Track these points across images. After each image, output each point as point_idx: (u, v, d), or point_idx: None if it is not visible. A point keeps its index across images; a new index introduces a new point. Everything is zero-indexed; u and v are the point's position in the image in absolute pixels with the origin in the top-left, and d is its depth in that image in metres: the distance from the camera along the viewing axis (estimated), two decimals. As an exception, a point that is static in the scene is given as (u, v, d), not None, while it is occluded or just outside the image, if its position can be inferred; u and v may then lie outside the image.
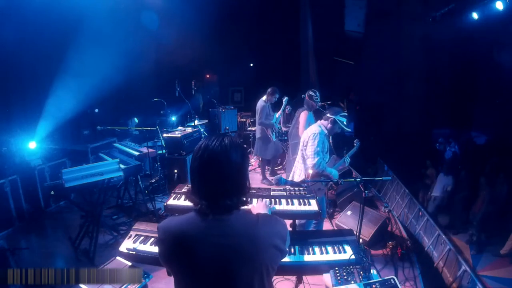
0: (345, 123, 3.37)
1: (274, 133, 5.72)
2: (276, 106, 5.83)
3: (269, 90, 5.55)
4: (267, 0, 9.15)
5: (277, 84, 5.81)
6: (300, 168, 3.50)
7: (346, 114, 3.41)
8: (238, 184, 1.18)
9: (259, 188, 2.88)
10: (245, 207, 1.25)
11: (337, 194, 4.78)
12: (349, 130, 3.43)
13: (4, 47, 4.76)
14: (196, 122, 5.89)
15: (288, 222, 2.87)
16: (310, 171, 3.30)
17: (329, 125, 3.36)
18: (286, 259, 2.04)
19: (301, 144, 3.48)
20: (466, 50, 7.45)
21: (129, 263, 2.15)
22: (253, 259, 1.12)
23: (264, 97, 5.56)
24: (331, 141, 4.63)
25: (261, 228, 1.16)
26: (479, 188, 5.68)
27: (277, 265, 1.23)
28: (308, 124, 4.54)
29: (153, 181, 5.43)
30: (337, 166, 3.62)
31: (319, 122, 3.47)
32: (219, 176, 1.14)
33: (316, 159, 3.22)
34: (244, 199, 1.23)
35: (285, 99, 5.57)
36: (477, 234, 5.31)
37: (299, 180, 3.41)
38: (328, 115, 3.36)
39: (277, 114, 5.63)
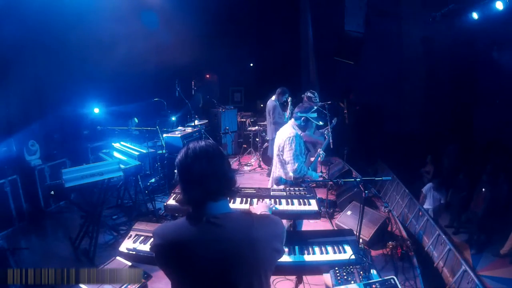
0: (316, 118, 3.15)
1: None
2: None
3: (278, 90, 5.58)
4: (267, 0, 9.14)
5: (277, 84, 5.82)
6: (279, 174, 3.22)
7: (315, 107, 3.24)
8: (225, 172, 1.20)
9: (259, 188, 2.88)
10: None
11: (337, 194, 4.77)
12: (322, 123, 3.27)
13: (4, 47, 4.76)
14: (196, 122, 5.88)
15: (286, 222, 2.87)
16: (291, 174, 3.09)
17: (302, 124, 3.12)
18: (286, 259, 2.04)
19: (276, 148, 3.22)
20: (466, 50, 7.45)
21: (129, 263, 2.15)
22: (252, 263, 1.12)
23: (274, 97, 5.59)
24: (331, 141, 4.66)
25: (258, 231, 1.15)
26: (479, 187, 5.68)
27: (275, 265, 1.23)
28: (309, 124, 4.54)
29: (153, 181, 5.43)
30: (314, 163, 3.44)
31: (291, 122, 3.21)
32: (210, 168, 1.16)
33: (296, 165, 2.99)
34: (233, 188, 1.24)
35: (289, 99, 5.54)
36: (478, 233, 5.31)
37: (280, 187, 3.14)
38: (299, 114, 3.12)
39: (287, 114, 5.59)
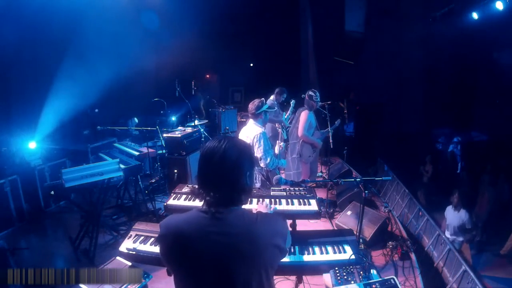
0: (268, 108, 3.55)
1: (284, 130, 5.27)
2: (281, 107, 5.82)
3: (277, 89, 5.57)
4: (267, 0, 9.14)
5: (277, 84, 5.81)
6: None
7: (263, 99, 3.57)
8: (233, 181, 1.19)
9: (259, 188, 2.88)
10: (246, 207, 1.26)
11: (337, 194, 4.77)
12: (275, 109, 3.82)
13: (4, 47, 4.77)
14: (196, 122, 5.88)
15: (288, 222, 2.88)
16: (263, 165, 3.39)
17: (262, 119, 3.49)
18: (286, 259, 2.04)
19: None
20: (466, 50, 7.45)
21: (129, 263, 2.16)
22: (252, 258, 1.12)
23: (272, 97, 5.57)
24: (331, 140, 4.67)
25: (260, 227, 1.16)
26: (481, 188, 5.65)
27: (277, 264, 1.23)
28: (308, 124, 4.54)
29: (153, 181, 5.43)
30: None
31: (252, 122, 3.49)
32: (215, 173, 1.18)
33: (269, 159, 3.34)
34: (243, 197, 1.23)
35: (292, 102, 5.52)
36: (481, 235, 5.28)
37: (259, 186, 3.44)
38: (257, 112, 3.44)
39: (286, 115, 5.54)
